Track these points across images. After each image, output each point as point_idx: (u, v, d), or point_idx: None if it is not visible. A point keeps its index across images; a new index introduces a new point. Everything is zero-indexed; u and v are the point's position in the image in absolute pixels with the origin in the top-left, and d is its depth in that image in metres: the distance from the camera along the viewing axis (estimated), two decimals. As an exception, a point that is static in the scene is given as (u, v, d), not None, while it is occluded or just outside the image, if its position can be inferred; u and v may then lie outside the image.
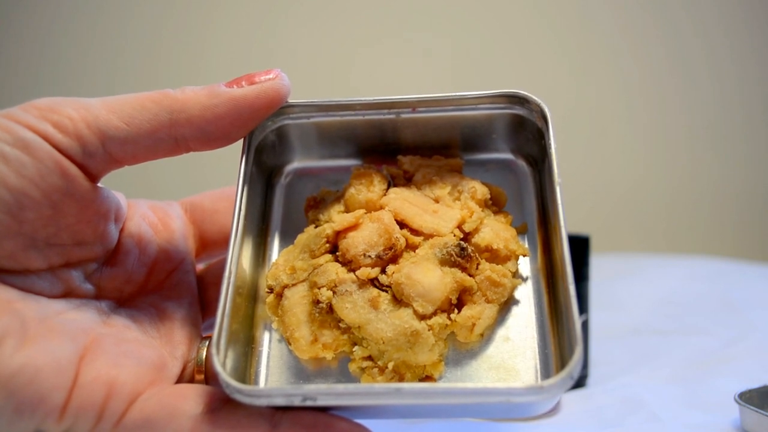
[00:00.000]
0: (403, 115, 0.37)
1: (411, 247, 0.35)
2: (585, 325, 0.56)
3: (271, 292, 0.36)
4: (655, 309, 0.73)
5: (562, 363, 0.32)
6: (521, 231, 0.37)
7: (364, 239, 0.34)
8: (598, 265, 0.68)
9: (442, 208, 0.36)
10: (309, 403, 0.28)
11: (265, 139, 0.38)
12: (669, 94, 1.10)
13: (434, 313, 0.33)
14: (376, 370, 0.33)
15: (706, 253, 1.01)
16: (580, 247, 0.56)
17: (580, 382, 0.56)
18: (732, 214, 1.12)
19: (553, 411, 0.50)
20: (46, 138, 0.30)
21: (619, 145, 1.12)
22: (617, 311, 0.72)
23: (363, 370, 0.33)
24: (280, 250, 0.38)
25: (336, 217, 0.36)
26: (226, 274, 0.32)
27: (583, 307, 0.55)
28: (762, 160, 1.12)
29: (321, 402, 0.28)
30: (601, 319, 0.65)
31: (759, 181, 1.12)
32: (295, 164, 0.40)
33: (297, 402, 0.28)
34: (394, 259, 0.34)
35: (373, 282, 0.34)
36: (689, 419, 0.47)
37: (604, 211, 1.11)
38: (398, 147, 0.39)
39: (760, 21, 1.08)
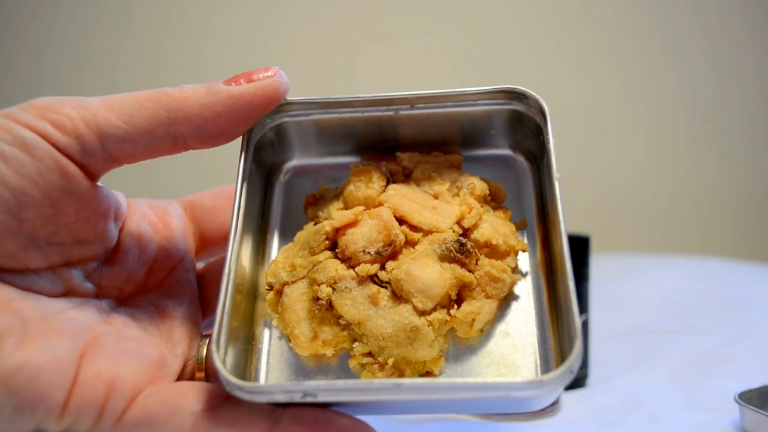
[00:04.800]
0: (402, 112, 0.37)
1: (410, 244, 0.35)
2: (585, 325, 0.56)
3: (271, 290, 0.36)
4: (655, 309, 0.73)
5: (562, 358, 0.32)
6: (520, 227, 0.37)
7: (364, 236, 0.34)
8: (598, 265, 0.68)
9: (441, 204, 0.36)
10: (309, 399, 0.28)
11: (264, 137, 0.38)
12: (669, 92, 1.10)
13: (434, 309, 0.33)
14: (376, 366, 0.33)
15: (706, 253, 1.01)
16: (580, 246, 0.56)
17: (580, 382, 0.56)
18: (732, 214, 1.12)
19: (553, 411, 0.50)
20: (45, 137, 0.30)
21: (619, 144, 1.12)
22: (617, 311, 0.72)
23: (363, 366, 0.33)
24: (279, 248, 0.38)
25: (335, 214, 0.36)
26: (226, 271, 0.32)
27: (583, 307, 0.55)
28: (762, 160, 1.12)
29: (321, 398, 0.28)
30: (601, 319, 0.65)
31: (759, 181, 1.12)
32: (294, 162, 0.40)
33: (297, 398, 0.28)
34: (394, 256, 0.34)
35: (373, 278, 0.34)
36: (689, 419, 0.47)
37: (604, 211, 1.11)
38: (397, 143, 0.39)
39: (760, 21, 1.08)
